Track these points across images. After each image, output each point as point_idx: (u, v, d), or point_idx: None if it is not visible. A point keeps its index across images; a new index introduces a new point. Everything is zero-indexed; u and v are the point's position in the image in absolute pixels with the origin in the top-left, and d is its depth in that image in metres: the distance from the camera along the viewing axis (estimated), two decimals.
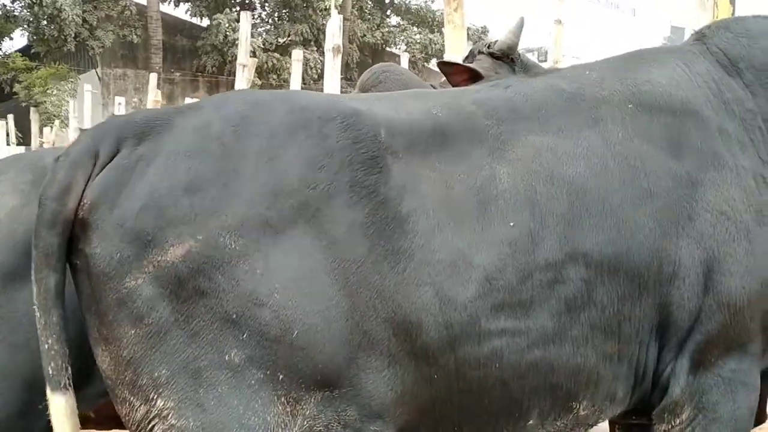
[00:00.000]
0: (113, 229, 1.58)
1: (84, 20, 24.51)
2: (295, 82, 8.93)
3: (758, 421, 2.34)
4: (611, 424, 2.49)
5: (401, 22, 29.97)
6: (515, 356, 1.75)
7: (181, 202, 1.58)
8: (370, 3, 29.56)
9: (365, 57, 27.71)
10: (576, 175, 1.84)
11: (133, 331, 1.57)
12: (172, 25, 26.94)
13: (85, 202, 1.60)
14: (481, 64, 3.25)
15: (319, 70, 23.81)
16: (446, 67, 3.26)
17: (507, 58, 3.28)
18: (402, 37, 28.82)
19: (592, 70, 2.14)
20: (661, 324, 1.90)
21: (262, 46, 24.71)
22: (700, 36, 2.25)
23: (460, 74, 3.14)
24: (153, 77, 12.99)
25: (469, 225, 1.74)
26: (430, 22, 29.77)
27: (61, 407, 1.63)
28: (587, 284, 1.80)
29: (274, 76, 25.02)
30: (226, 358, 1.57)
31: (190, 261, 1.56)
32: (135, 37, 25.69)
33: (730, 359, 1.93)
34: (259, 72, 24.09)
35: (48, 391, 1.64)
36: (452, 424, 1.80)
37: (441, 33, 29.05)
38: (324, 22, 25.81)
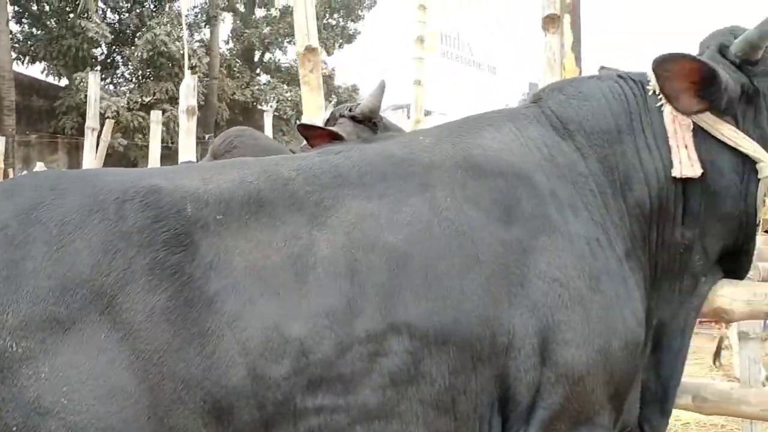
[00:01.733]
0: None
1: None
2: (155, 143, 8.62)
3: None
4: None
5: (271, 80, 30.01)
6: None
7: None
8: (239, 62, 29.45)
9: (236, 115, 27.43)
10: (398, 243, 1.74)
11: None
12: (27, 85, 25.53)
13: None
14: (343, 128, 3.19)
15: None
16: (307, 130, 3.18)
17: (369, 121, 3.25)
18: (273, 95, 28.83)
19: (427, 136, 2.08)
20: (501, 398, 1.80)
21: (126, 105, 23.89)
22: (536, 98, 2.23)
23: (321, 138, 3.07)
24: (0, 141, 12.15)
25: (284, 296, 1.61)
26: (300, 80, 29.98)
27: None
28: (413, 356, 1.68)
29: (140, 136, 24.17)
30: None
31: None
32: None
33: None
34: (125, 131, 23.25)
35: None
36: None
37: None
38: None
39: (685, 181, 2.05)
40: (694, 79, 2.02)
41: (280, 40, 30.03)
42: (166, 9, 26.16)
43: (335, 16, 30.93)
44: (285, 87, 28.87)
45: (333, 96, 31.36)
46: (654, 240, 2.07)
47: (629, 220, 2.03)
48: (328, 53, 29.67)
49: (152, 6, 26.88)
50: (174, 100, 24.56)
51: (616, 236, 1.98)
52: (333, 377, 1.62)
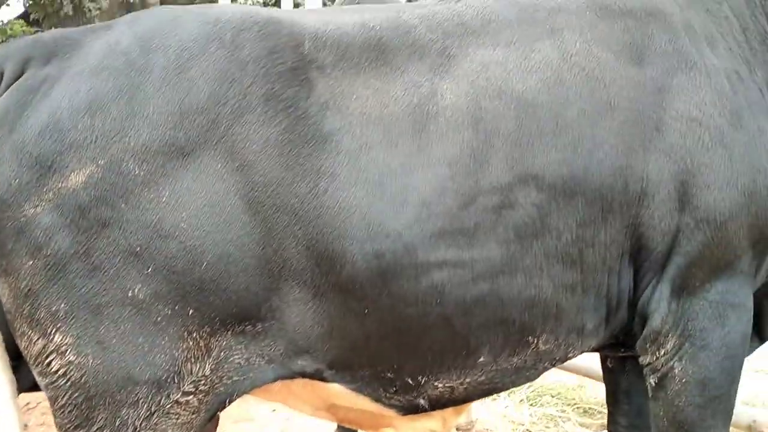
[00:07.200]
0: (12, 154, 1.47)
1: None
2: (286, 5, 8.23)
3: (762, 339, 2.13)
4: (602, 357, 2.34)
5: None
6: (458, 290, 1.59)
7: (81, 123, 1.46)
8: None
9: None
10: (526, 90, 1.65)
11: (30, 263, 1.46)
12: None
13: None
14: None
15: None
16: None
17: None
18: None
19: None
20: (633, 249, 1.72)
21: None
22: None
23: None
24: None
25: (403, 145, 1.56)
26: None
27: None
28: (539, 209, 1.61)
29: None
30: (130, 294, 1.45)
31: (92, 188, 1.44)
32: None
33: (717, 280, 1.74)
34: None
35: None
36: (390, 362, 1.65)
37: None
38: None
39: None
40: None
41: None
42: None
43: None
44: None
45: None
46: None
47: None
48: None
49: None
50: None
51: (756, 63, 1.82)
52: (456, 230, 1.58)
